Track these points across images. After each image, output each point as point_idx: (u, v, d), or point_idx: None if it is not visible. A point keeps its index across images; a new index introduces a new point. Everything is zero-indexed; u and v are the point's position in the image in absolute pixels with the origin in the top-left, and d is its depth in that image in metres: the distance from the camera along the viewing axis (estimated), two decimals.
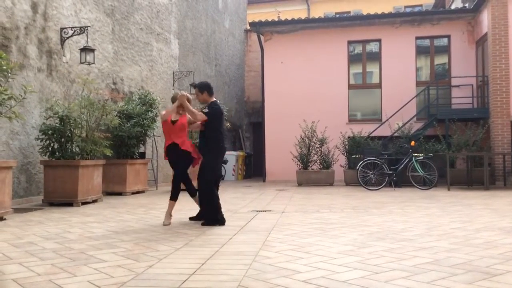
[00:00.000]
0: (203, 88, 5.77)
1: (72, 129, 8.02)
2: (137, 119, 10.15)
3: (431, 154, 12.12)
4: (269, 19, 16.12)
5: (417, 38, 14.94)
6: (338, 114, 14.98)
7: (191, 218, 5.92)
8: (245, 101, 21.10)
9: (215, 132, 5.62)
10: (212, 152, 5.60)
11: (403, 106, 14.00)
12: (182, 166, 5.81)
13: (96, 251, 3.93)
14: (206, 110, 5.67)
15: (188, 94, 5.88)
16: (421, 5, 23.12)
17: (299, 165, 13.47)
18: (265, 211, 6.91)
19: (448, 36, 14.76)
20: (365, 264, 3.38)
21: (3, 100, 6.00)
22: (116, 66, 11.16)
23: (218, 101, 5.89)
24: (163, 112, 5.79)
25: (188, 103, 5.72)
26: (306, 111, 14.81)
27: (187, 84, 14.87)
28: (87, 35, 9.23)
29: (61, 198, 7.68)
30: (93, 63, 9.37)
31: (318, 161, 13.42)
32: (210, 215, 5.51)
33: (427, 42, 15.11)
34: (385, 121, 14.04)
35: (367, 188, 11.16)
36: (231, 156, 16.34)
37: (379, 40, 15.15)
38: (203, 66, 16.71)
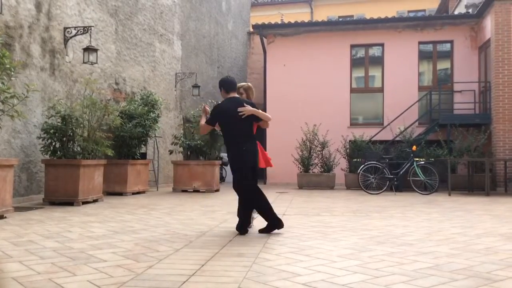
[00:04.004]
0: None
1: (74, 129, 8.03)
2: (139, 119, 10.15)
3: (433, 159, 12.11)
4: (273, 22, 16.13)
5: (420, 43, 14.94)
6: (340, 117, 14.98)
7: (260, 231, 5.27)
8: None
9: None
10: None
11: (405, 111, 13.99)
12: None
13: (96, 251, 3.93)
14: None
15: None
16: (424, 10, 23.13)
17: (300, 168, 13.46)
18: None
19: (451, 41, 14.76)
20: (365, 268, 3.37)
21: (5, 99, 6.01)
22: (118, 66, 11.18)
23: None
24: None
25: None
26: (308, 114, 14.80)
27: (189, 85, 14.88)
28: (90, 35, 9.24)
29: (62, 197, 7.68)
30: (96, 63, 9.38)
31: (319, 164, 13.43)
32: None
33: (430, 47, 15.11)
34: (386, 125, 14.03)
35: (368, 192, 11.14)
36: None
37: (382, 45, 15.15)
38: (205, 68, 16.72)
